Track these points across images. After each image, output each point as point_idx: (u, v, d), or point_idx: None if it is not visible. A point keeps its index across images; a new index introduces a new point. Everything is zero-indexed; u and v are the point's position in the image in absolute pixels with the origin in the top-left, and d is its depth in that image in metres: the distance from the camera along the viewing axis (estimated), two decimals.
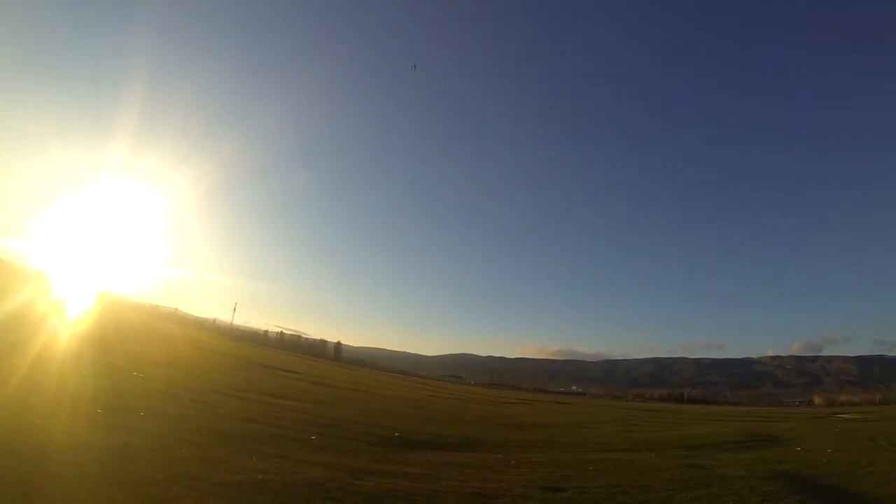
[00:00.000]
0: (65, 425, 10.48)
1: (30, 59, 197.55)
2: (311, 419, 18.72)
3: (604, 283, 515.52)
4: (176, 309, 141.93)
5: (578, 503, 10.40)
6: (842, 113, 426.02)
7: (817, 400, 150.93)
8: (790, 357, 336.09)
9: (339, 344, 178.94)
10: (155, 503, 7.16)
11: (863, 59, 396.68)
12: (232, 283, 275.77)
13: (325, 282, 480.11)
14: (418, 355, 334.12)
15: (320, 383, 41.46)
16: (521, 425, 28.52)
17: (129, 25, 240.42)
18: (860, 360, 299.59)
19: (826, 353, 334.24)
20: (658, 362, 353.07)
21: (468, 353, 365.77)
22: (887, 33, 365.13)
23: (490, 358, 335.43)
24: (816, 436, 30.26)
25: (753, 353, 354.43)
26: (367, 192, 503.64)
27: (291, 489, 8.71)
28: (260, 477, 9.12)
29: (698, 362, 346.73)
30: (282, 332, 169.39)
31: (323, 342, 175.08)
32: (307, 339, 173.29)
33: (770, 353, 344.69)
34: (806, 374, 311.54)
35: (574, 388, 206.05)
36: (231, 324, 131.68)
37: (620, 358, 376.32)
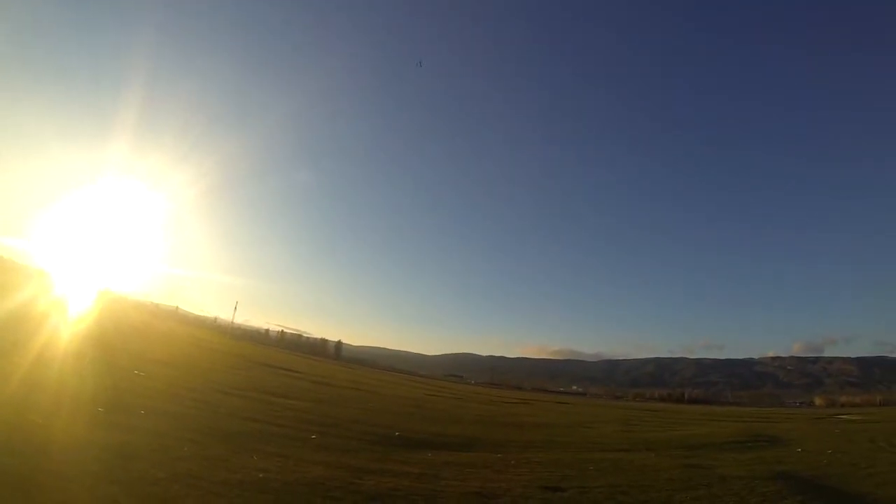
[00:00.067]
0: (66, 424, 10.49)
1: (30, 58, 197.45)
2: (312, 418, 18.73)
3: (604, 283, 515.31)
4: (177, 307, 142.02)
5: (578, 503, 10.41)
6: (842, 113, 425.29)
7: (818, 401, 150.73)
8: (791, 358, 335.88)
9: (339, 343, 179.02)
10: (156, 502, 7.17)
11: (863, 59, 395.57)
12: (233, 281, 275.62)
13: (326, 281, 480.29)
14: (419, 354, 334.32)
15: (321, 382, 41.48)
16: (522, 425, 28.52)
17: (129, 24, 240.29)
18: (861, 361, 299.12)
19: (827, 353, 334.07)
20: (658, 362, 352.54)
21: (468, 352, 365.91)
22: (887, 33, 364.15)
23: (490, 357, 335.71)
24: (817, 437, 30.24)
25: (754, 354, 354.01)
26: (367, 192, 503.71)
27: (292, 488, 8.72)
28: (261, 476, 9.13)
29: (699, 362, 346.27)
30: (283, 330, 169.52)
31: (324, 341, 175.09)
32: (308, 337, 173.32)
33: (771, 353, 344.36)
34: (807, 374, 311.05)
35: (574, 387, 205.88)
36: (232, 322, 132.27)
37: (621, 358, 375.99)
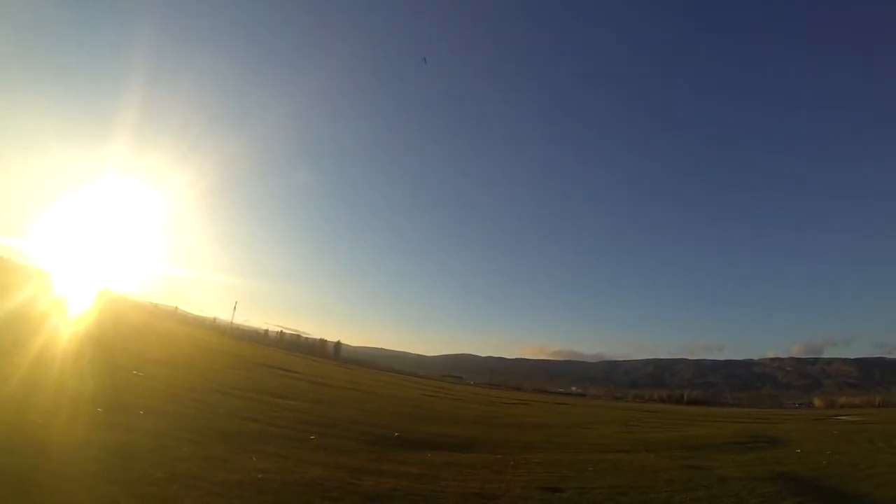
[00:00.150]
0: (65, 424, 10.50)
1: (30, 58, 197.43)
2: (311, 418, 18.73)
3: (604, 284, 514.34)
4: (176, 307, 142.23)
5: None
6: (842, 113, 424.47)
7: (817, 402, 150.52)
8: (790, 359, 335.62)
9: (338, 343, 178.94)
10: (155, 502, 7.17)
11: (863, 59, 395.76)
12: (232, 281, 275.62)
13: (325, 281, 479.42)
14: (418, 355, 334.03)
15: (320, 383, 41.48)
16: (521, 426, 28.51)
17: (128, 24, 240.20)
18: (860, 363, 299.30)
19: (826, 355, 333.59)
20: (658, 363, 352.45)
21: (468, 353, 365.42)
22: (887, 33, 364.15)
23: (490, 358, 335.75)
24: (816, 438, 30.26)
25: (753, 355, 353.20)
26: (367, 192, 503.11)
27: (291, 488, 8.72)
28: (260, 476, 9.13)
29: (698, 363, 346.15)
30: (282, 331, 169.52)
31: (323, 342, 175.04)
32: (307, 338, 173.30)
33: (770, 354, 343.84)
34: (806, 375, 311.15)
35: (574, 388, 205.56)
36: (231, 323, 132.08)
37: (620, 359, 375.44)
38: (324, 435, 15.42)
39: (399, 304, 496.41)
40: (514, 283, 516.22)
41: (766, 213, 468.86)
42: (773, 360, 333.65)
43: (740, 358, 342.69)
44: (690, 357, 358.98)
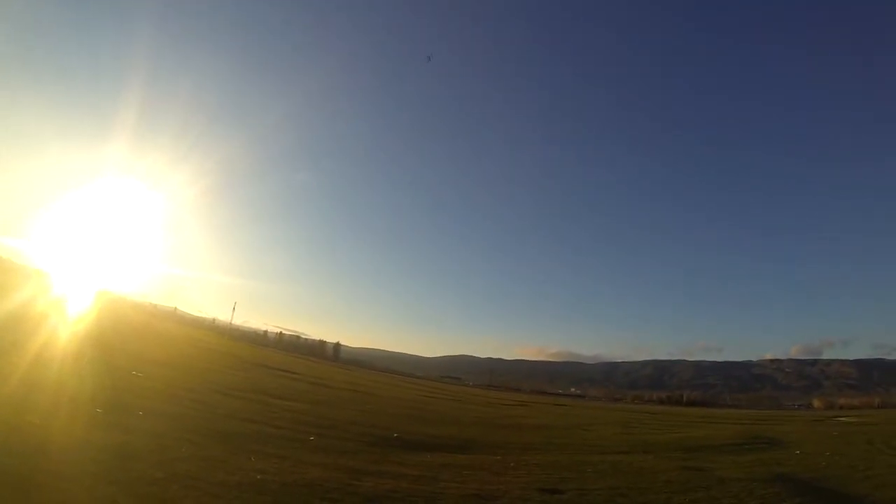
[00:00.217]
0: (64, 424, 10.48)
1: (29, 58, 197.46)
2: (310, 419, 18.72)
3: (603, 285, 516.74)
4: (175, 308, 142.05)
5: None
6: (842, 113, 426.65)
7: (816, 403, 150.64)
8: (789, 360, 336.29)
9: (337, 344, 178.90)
10: (154, 502, 7.16)
11: (863, 59, 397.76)
12: (231, 282, 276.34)
13: (324, 282, 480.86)
14: (417, 356, 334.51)
15: (319, 384, 41.46)
16: (520, 427, 28.52)
17: (128, 24, 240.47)
18: (859, 364, 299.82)
19: (825, 356, 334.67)
20: (657, 364, 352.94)
21: (467, 354, 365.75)
22: (887, 33, 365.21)
23: (489, 359, 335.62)
24: (815, 439, 30.27)
25: (753, 356, 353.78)
26: (366, 192, 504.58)
27: (290, 489, 8.72)
28: (259, 477, 9.12)
29: (697, 364, 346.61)
30: (281, 332, 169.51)
31: (322, 343, 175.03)
32: (306, 339, 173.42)
33: (769, 355, 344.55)
34: (805, 377, 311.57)
35: (573, 389, 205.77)
36: (230, 323, 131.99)
37: (619, 360, 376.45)
38: (323, 436, 15.41)
39: (398, 305, 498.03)
40: (514, 284, 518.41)
41: (766, 213, 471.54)
42: (772, 361, 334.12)
43: (739, 359, 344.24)
44: (689, 358, 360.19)
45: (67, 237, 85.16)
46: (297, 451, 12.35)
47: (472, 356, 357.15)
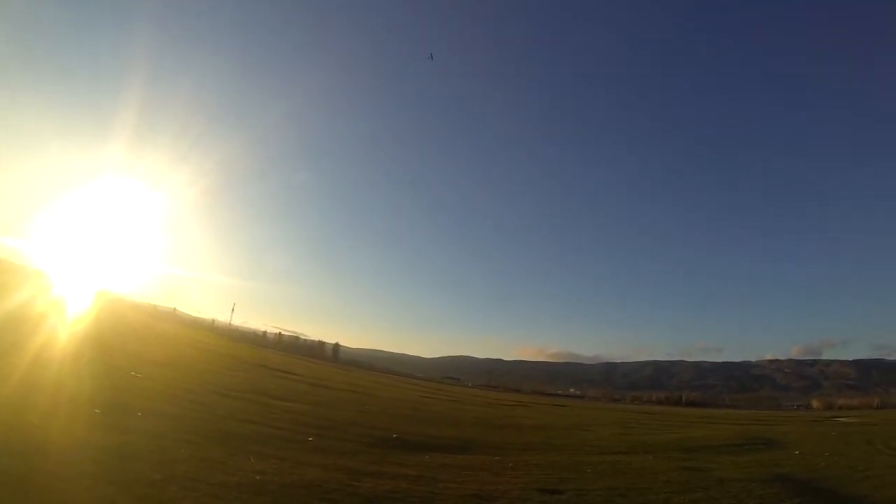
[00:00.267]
0: (63, 424, 10.47)
1: (29, 58, 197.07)
2: (309, 420, 18.72)
3: (602, 285, 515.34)
4: (174, 309, 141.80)
5: None
6: (842, 113, 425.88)
7: (815, 403, 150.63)
8: (789, 360, 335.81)
9: (337, 345, 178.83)
10: (153, 503, 7.17)
11: (863, 60, 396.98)
12: (230, 283, 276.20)
13: (323, 283, 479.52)
14: (416, 357, 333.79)
15: (318, 384, 41.44)
16: (519, 427, 28.53)
17: (128, 24, 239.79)
18: (859, 364, 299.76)
19: (825, 356, 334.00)
20: (656, 365, 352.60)
21: (466, 354, 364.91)
22: (887, 33, 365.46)
23: (488, 360, 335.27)
24: (814, 439, 30.30)
25: (752, 357, 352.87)
26: (366, 192, 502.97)
27: (289, 490, 8.72)
28: (258, 478, 9.13)
29: (697, 365, 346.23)
30: (280, 332, 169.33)
31: (321, 343, 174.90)
32: (305, 340, 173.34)
33: (769, 356, 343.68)
34: (804, 377, 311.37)
35: (572, 390, 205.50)
36: (229, 324, 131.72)
37: (619, 360, 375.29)
38: (322, 437, 15.41)
39: (398, 306, 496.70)
40: (513, 284, 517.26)
41: (765, 213, 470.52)
42: (771, 361, 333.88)
43: (739, 359, 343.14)
44: (689, 359, 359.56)
45: (67, 237, 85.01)
46: (296, 452, 12.35)
47: (471, 357, 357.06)
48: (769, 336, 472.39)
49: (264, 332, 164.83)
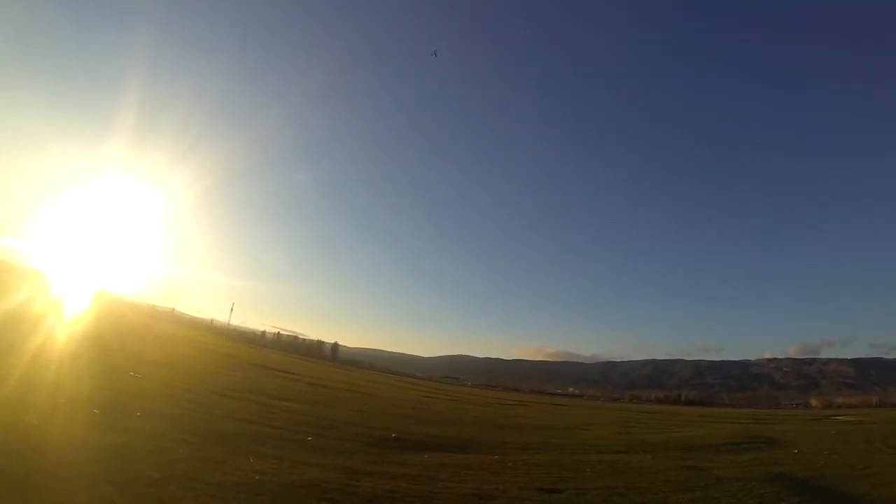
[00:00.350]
0: (62, 425, 10.46)
1: (28, 58, 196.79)
2: (308, 420, 18.70)
3: (601, 285, 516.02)
4: (173, 309, 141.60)
5: None
6: (842, 113, 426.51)
7: (814, 402, 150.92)
8: (787, 359, 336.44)
9: (336, 345, 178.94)
10: (152, 503, 7.16)
11: (863, 59, 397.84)
12: (229, 283, 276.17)
13: (322, 282, 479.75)
14: (415, 356, 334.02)
15: (317, 384, 41.42)
16: (518, 427, 28.53)
17: (127, 24, 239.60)
18: (857, 363, 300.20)
19: (823, 355, 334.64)
20: (655, 364, 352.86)
21: (465, 354, 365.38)
22: (887, 33, 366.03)
23: (487, 359, 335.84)
24: (813, 438, 30.35)
25: (751, 356, 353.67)
26: (365, 192, 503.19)
27: (288, 490, 8.71)
28: (257, 478, 9.12)
29: (696, 364, 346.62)
30: (279, 332, 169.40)
31: (320, 343, 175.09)
32: (304, 339, 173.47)
33: (767, 355, 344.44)
34: (803, 376, 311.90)
35: (571, 389, 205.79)
36: (228, 324, 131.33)
37: (618, 360, 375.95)
38: (321, 436, 15.40)
39: (397, 306, 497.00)
40: (512, 284, 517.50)
41: (764, 213, 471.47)
42: (770, 360, 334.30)
43: (737, 358, 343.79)
44: (688, 358, 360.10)
45: (66, 237, 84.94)
46: (295, 452, 12.34)
47: (470, 356, 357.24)
48: (768, 335, 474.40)
49: (263, 332, 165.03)
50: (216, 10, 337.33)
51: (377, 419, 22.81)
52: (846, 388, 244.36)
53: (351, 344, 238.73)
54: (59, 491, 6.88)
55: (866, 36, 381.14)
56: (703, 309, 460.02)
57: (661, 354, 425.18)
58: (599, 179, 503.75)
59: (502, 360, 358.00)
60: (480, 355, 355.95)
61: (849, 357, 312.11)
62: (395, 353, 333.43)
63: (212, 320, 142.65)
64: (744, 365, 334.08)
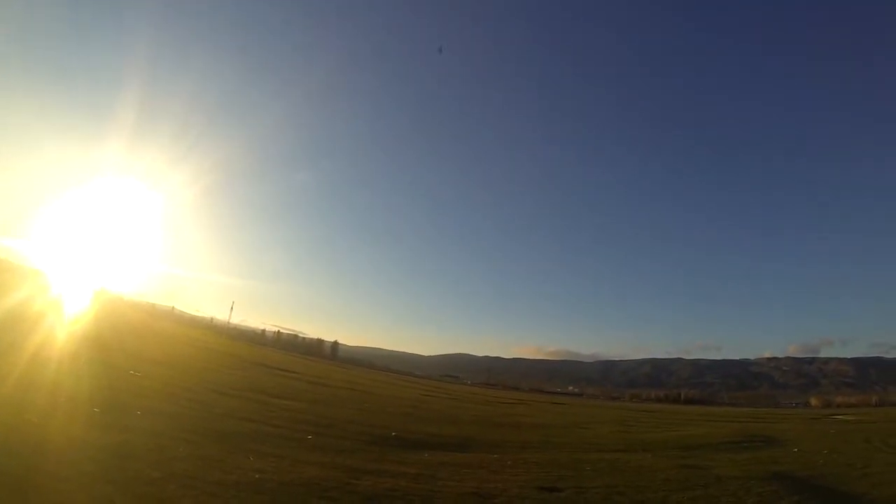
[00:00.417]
0: (62, 424, 10.46)
1: (28, 57, 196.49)
2: (308, 418, 18.71)
3: (601, 284, 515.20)
4: (173, 307, 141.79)
5: (575, 503, 10.43)
6: (842, 113, 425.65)
7: (814, 401, 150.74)
8: (787, 358, 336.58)
9: (335, 343, 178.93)
10: (151, 502, 7.15)
11: (863, 59, 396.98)
12: (229, 281, 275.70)
13: (322, 281, 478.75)
14: (415, 355, 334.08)
15: (317, 382, 41.45)
16: (518, 425, 28.55)
17: (127, 23, 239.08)
18: (857, 362, 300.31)
19: (823, 354, 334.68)
20: (655, 363, 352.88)
21: (465, 352, 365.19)
22: (887, 33, 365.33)
23: (487, 358, 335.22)
24: (813, 437, 30.37)
25: (750, 355, 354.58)
26: (365, 192, 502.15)
27: (288, 488, 8.71)
28: (256, 476, 9.12)
29: (695, 363, 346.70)
30: (279, 331, 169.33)
31: (320, 341, 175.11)
32: (304, 338, 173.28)
33: (767, 354, 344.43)
34: (803, 375, 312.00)
35: (571, 388, 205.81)
36: (228, 323, 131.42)
37: (617, 358, 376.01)
38: (321, 435, 15.40)
39: (396, 304, 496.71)
40: (511, 283, 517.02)
41: (764, 213, 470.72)
42: (769, 359, 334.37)
43: (737, 357, 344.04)
44: (687, 357, 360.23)
45: (66, 237, 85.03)
46: (294, 450, 12.35)
47: (470, 355, 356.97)
48: (767, 334, 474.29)
49: (263, 331, 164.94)
50: (216, 10, 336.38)
51: (377, 418, 22.82)
52: (846, 387, 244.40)
53: (351, 342, 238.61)
54: (58, 490, 6.88)
55: (866, 36, 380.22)
56: (703, 308, 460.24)
57: (660, 353, 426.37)
58: (599, 179, 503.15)
59: (502, 358, 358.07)
60: (480, 354, 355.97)
61: (848, 356, 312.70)
62: (394, 351, 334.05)
63: (212, 319, 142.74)
64: (743, 364, 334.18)
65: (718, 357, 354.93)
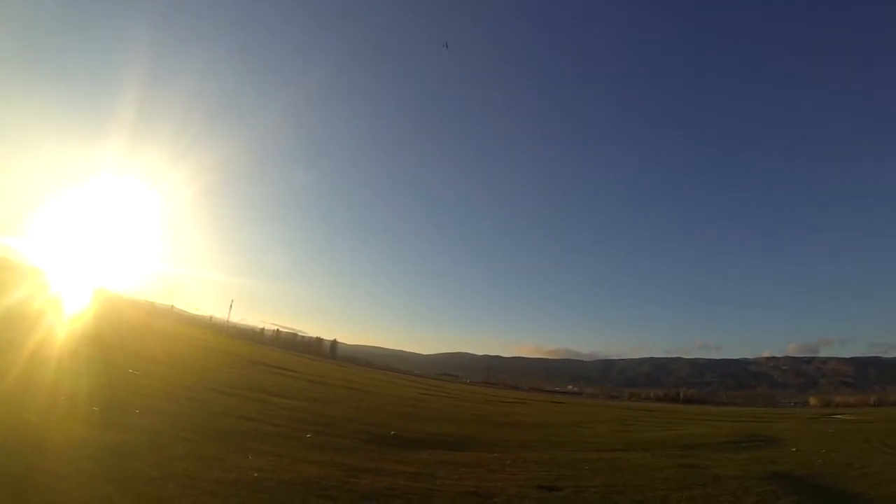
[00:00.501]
0: (61, 422, 10.46)
1: (27, 56, 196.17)
2: (307, 417, 18.70)
3: (601, 283, 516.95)
4: (172, 306, 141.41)
5: (574, 502, 10.44)
6: (842, 113, 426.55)
7: (813, 401, 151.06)
8: (786, 358, 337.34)
9: (335, 342, 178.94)
10: (151, 501, 7.16)
11: (863, 60, 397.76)
12: (228, 280, 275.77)
13: (321, 280, 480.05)
14: (414, 354, 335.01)
15: (316, 381, 41.42)
16: (517, 424, 28.55)
17: (127, 22, 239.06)
18: (856, 362, 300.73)
19: (822, 354, 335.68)
20: (654, 362, 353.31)
21: (464, 351, 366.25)
22: (887, 33, 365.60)
23: (486, 357, 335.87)
24: (811, 437, 30.41)
25: (749, 354, 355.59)
26: (365, 192, 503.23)
27: (287, 487, 8.72)
28: (255, 475, 9.12)
29: (694, 362, 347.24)
30: (278, 329, 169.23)
31: (319, 340, 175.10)
32: (303, 336, 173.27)
33: (766, 353, 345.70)
34: (802, 375, 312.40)
35: (570, 387, 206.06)
36: (227, 321, 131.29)
37: (616, 358, 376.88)
38: (320, 433, 15.40)
39: (396, 303, 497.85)
40: (511, 282, 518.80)
41: (763, 213, 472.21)
42: (768, 359, 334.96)
43: (736, 357, 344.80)
44: (686, 356, 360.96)
45: (65, 235, 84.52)
46: (293, 449, 12.35)
47: (469, 354, 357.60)
48: (766, 334, 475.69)
49: (262, 329, 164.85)
50: (216, 10, 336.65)
51: (376, 416, 22.81)
52: (845, 386, 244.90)
53: (350, 341, 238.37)
54: (58, 489, 6.88)
55: (866, 36, 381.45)
56: (702, 308, 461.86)
57: (659, 353, 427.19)
58: (599, 179, 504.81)
59: (501, 357, 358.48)
60: (479, 353, 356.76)
61: (847, 356, 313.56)
62: (393, 350, 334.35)
63: (211, 317, 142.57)
64: (742, 363, 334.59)
65: (717, 356, 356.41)
